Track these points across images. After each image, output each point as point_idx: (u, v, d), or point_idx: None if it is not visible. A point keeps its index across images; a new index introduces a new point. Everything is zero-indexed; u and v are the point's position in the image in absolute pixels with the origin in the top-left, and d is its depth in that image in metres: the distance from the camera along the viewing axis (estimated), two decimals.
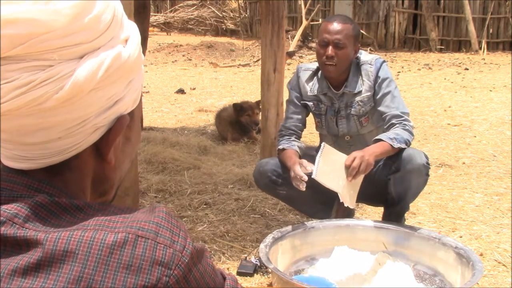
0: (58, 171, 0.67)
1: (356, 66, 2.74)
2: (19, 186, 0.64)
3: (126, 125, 0.70)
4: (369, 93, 2.71)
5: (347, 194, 2.37)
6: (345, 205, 2.39)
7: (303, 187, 2.44)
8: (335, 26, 2.62)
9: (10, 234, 0.59)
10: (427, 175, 2.57)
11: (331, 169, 2.38)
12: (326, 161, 2.36)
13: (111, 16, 0.65)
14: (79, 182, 0.69)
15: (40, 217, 0.61)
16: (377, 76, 2.69)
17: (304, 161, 2.50)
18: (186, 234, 0.65)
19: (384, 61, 2.76)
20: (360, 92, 2.72)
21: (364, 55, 2.77)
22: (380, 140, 2.53)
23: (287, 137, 2.79)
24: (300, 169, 2.46)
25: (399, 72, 10.62)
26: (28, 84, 0.59)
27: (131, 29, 0.70)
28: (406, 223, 2.82)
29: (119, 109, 0.68)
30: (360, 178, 2.46)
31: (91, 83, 0.62)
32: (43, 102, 0.60)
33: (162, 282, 0.60)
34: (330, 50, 2.61)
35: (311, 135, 5.05)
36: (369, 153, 2.43)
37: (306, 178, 2.43)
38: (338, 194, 2.39)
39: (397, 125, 2.59)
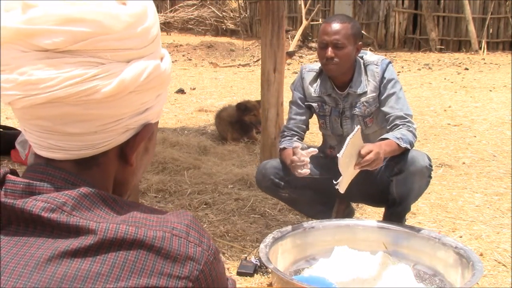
0: (87, 166, 0.74)
1: (361, 66, 2.73)
2: (57, 180, 0.71)
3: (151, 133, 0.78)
4: (374, 94, 2.70)
5: (344, 180, 2.35)
6: (339, 189, 2.33)
7: (306, 171, 2.41)
8: (333, 26, 2.61)
9: (63, 220, 0.67)
10: (430, 177, 2.56)
11: (350, 154, 2.35)
12: (352, 145, 2.32)
13: (157, 32, 0.75)
14: (104, 179, 0.76)
15: (84, 207, 0.69)
16: (382, 77, 2.68)
17: (298, 149, 2.46)
18: (209, 236, 0.73)
19: (390, 62, 2.75)
20: (365, 93, 2.70)
21: (370, 56, 2.76)
22: (387, 139, 2.51)
23: (289, 137, 2.78)
24: (297, 156, 2.44)
25: (399, 72, 10.62)
26: (82, 76, 0.67)
27: (165, 51, 0.80)
28: (406, 223, 2.82)
29: (148, 117, 0.76)
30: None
31: (134, 83, 0.70)
32: (92, 94, 0.68)
33: (193, 276, 0.69)
34: (329, 51, 2.60)
35: (311, 135, 5.05)
36: (382, 151, 2.39)
37: (308, 160, 2.42)
38: (340, 178, 2.33)
39: (401, 126, 2.58)
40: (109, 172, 0.77)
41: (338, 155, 2.24)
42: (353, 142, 2.30)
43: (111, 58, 0.68)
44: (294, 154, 2.46)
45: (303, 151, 2.45)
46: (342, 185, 2.33)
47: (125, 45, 0.69)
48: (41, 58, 0.66)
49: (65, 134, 0.71)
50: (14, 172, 0.74)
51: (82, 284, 0.63)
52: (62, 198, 0.68)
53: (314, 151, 2.48)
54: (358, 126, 2.41)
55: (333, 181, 2.31)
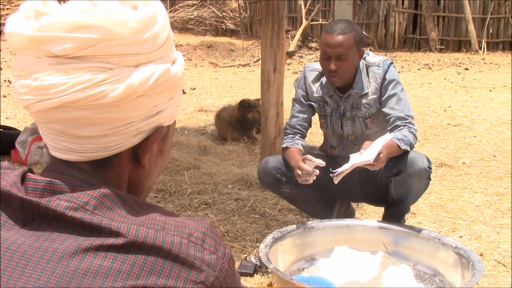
0: (102, 168, 0.77)
1: (363, 67, 2.71)
2: (76, 180, 0.74)
3: (163, 135, 0.80)
4: (375, 96, 2.69)
5: (343, 174, 2.35)
6: (334, 179, 2.34)
7: (311, 180, 2.42)
8: (335, 38, 2.55)
9: (87, 219, 0.70)
10: (429, 179, 2.56)
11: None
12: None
13: (166, 37, 0.76)
14: (118, 181, 0.79)
15: (106, 206, 0.72)
16: (384, 78, 2.67)
17: (309, 156, 2.48)
18: (225, 244, 0.76)
19: (391, 63, 2.73)
20: (366, 94, 2.69)
21: (372, 57, 2.74)
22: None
23: (291, 135, 2.78)
24: (306, 165, 2.44)
25: (399, 72, 10.57)
26: (90, 81, 0.70)
27: (178, 54, 0.82)
28: (406, 223, 2.82)
29: (160, 120, 0.78)
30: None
31: (142, 88, 0.73)
32: (100, 99, 0.70)
33: (209, 281, 0.71)
34: (332, 64, 2.57)
35: (311, 135, 5.04)
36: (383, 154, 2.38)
37: (317, 172, 2.42)
38: (340, 169, 2.35)
39: (402, 127, 2.57)
40: (123, 174, 0.79)
41: (367, 158, 2.25)
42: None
43: (119, 63, 0.71)
44: (304, 162, 2.46)
45: (313, 161, 2.44)
46: (338, 177, 2.35)
47: (133, 51, 0.72)
48: (52, 64, 0.69)
49: (78, 137, 0.74)
50: (30, 171, 0.77)
51: (103, 280, 0.66)
52: (85, 197, 0.71)
53: (322, 163, 2.45)
54: (389, 134, 2.41)
55: (330, 169, 2.33)
